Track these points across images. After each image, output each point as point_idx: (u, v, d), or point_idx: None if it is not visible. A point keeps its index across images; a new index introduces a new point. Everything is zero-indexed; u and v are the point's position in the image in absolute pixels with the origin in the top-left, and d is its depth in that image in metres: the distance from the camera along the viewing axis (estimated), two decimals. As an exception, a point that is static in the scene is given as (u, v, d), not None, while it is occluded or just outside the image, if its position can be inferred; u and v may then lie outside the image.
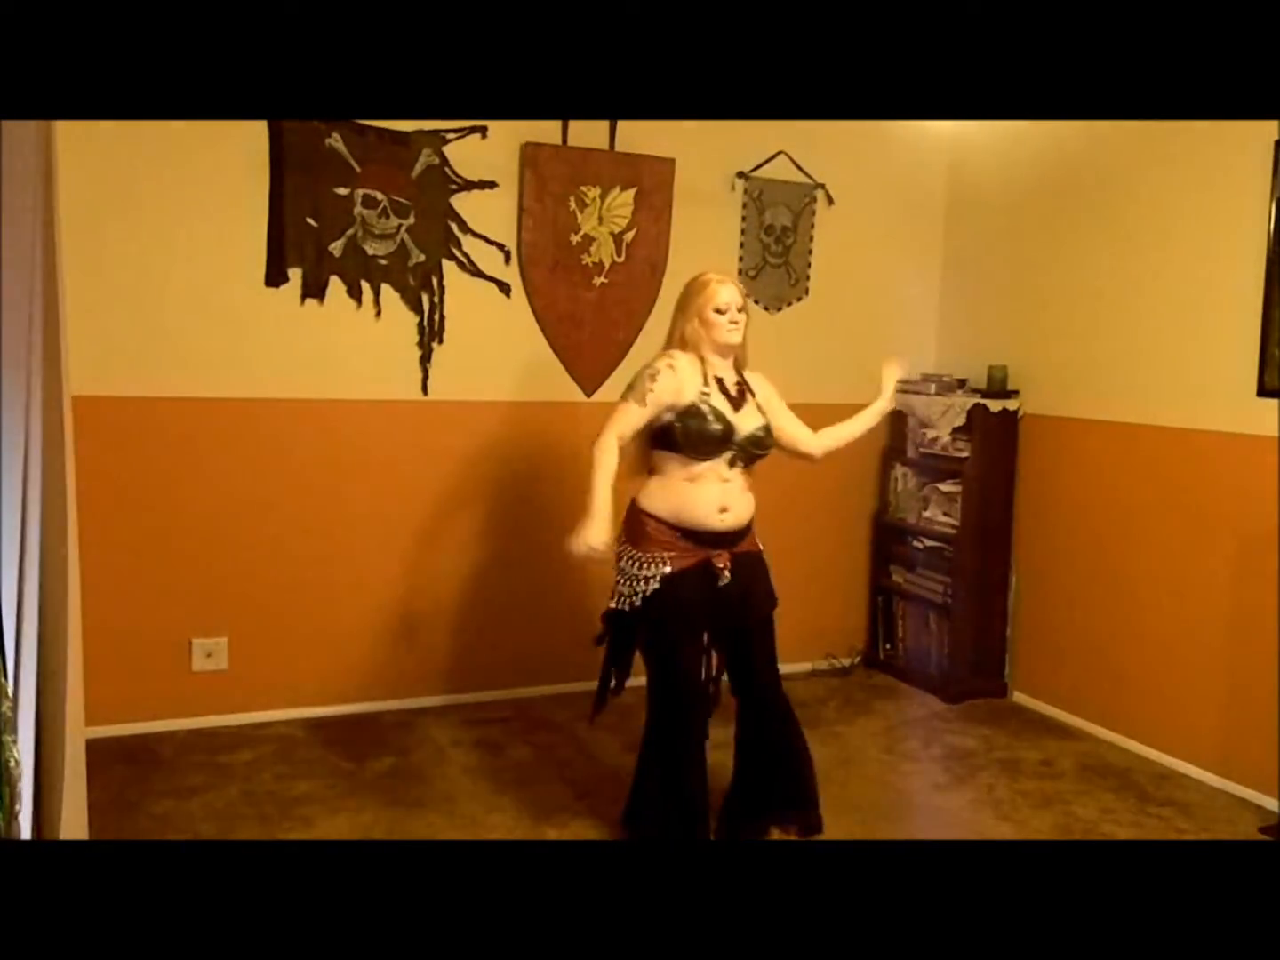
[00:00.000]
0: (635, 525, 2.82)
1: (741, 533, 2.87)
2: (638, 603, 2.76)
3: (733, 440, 2.77)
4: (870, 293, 4.62)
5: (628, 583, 2.78)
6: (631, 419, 2.77)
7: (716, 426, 2.74)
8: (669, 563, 2.76)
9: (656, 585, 2.75)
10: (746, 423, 2.82)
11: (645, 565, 2.76)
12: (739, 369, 2.91)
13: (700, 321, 2.80)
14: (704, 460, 2.76)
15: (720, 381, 2.82)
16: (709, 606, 2.83)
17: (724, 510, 2.79)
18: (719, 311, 2.79)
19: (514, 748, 3.72)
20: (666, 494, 2.79)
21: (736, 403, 2.81)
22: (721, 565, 2.80)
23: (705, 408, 2.75)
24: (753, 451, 2.83)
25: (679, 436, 2.75)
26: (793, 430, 2.99)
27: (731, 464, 2.79)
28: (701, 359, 2.82)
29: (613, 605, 2.83)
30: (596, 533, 2.71)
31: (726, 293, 2.79)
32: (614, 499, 2.80)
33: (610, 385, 4.20)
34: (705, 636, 2.94)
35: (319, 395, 3.80)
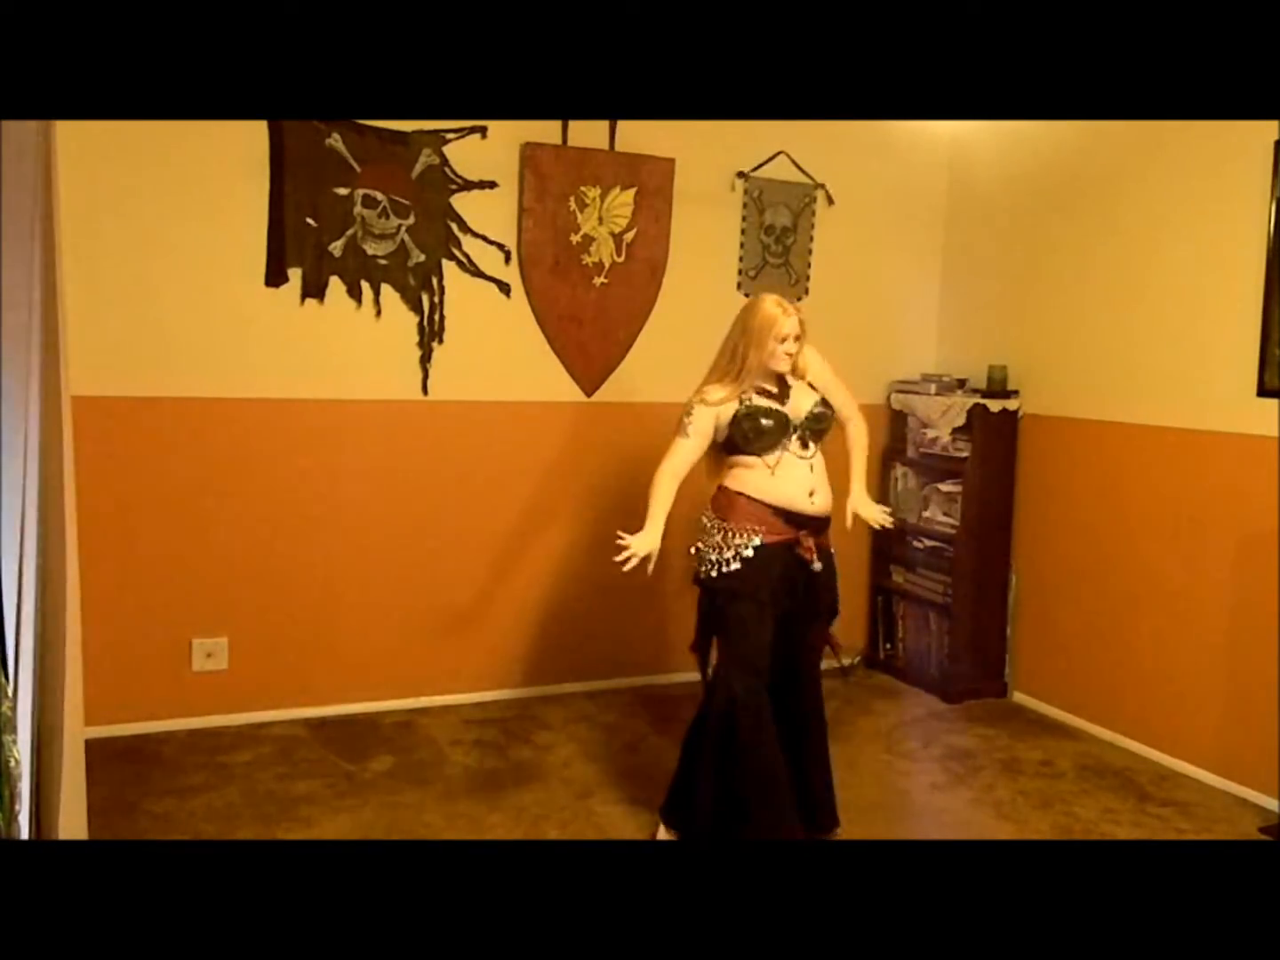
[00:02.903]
0: (726, 502, 2.92)
1: (826, 521, 2.96)
2: (735, 565, 2.85)
3: (791, 425, 2.90)
4: (870, 293, 4.62)
5: (719, 551, 2.87)
6: (682, 452, 2.93)
7: (769, 421, 2.87)
8: (761, 535, 2.86)
9: (750, 554, 2.85)
10: (800, 405, 2.93)
11: (738, 535, 2.87)
12: (792, 374, 2.99)
13: (758, 346, 2.90)
14: (774, 451, 2.89)
15: (761, 389, 2.93)
16: (788, 587, 2.91)
17: (812, 494, 2.90)
18: (779, 340, 2.89)
19: (514, 748, 3.72)
20: (755, 478, 2.91)
21: (779, 396, 2.93)
22: (809, 548, 2.90)
23: (751, 408, 2.88)
24: (816, 428, 2.94)
25: (742, 441, 2.89)
26: (840, 403, 3.09)
27: (805, 444, 2.91)
28: (743, 379, 2.92)
29: (705, 573, 2.91)
30: (646, 541, 2.83)
31: (789, 324, 2.90)
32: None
33: (610, 385, 4.21)
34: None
35: (319, 395, 3.80)
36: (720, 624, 2.92)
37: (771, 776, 2.86)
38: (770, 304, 2.91)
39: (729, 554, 2.85)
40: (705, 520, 2.94)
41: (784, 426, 2.88)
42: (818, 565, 2.91)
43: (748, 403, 2.88)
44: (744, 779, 2.85)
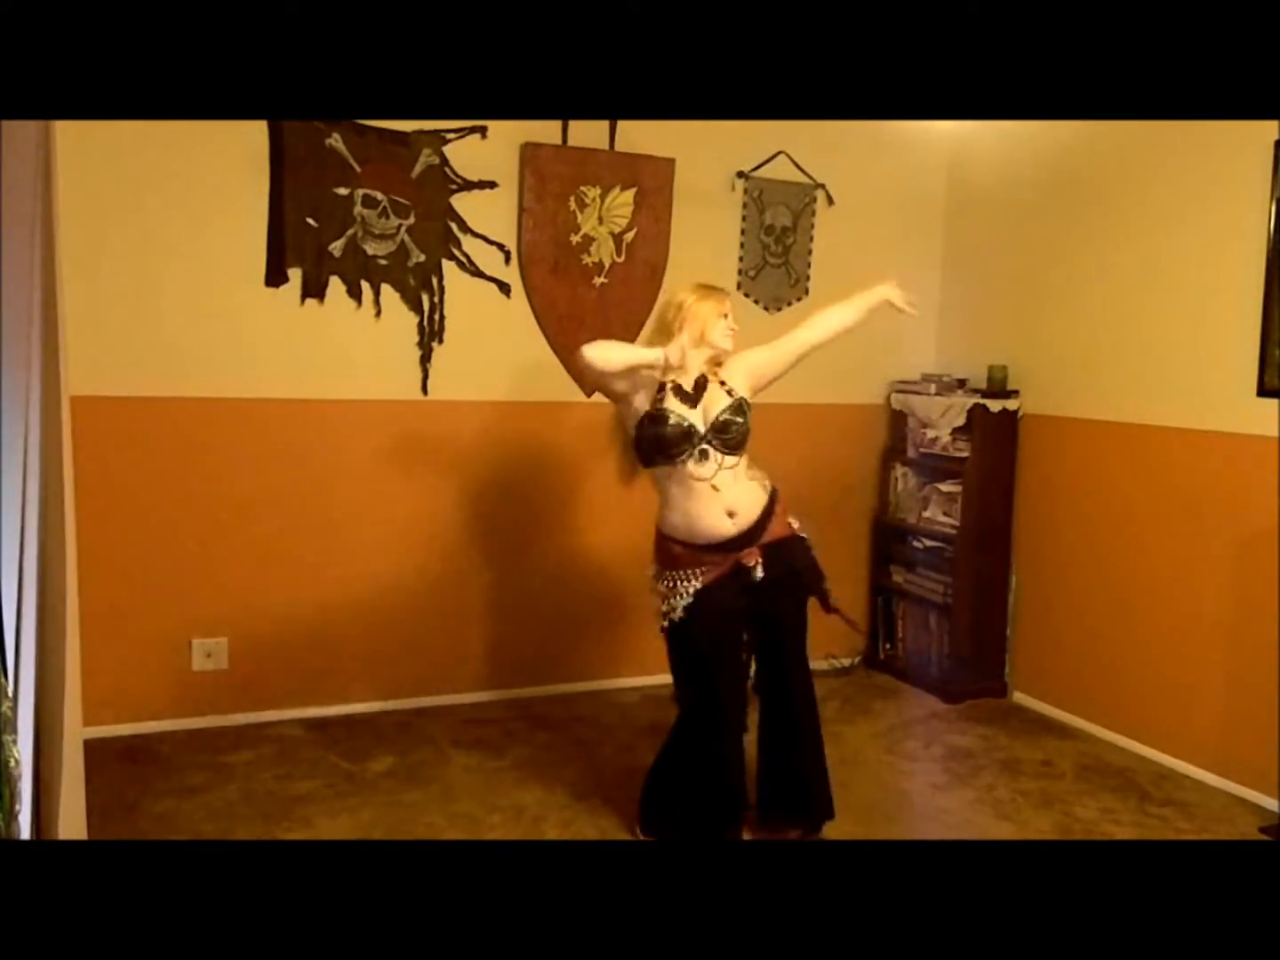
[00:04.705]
0: (663, 550, 2.92)
1: (760, 527, 2.90)
2: (680, 615, 2.85)
3: (696, 434, 2.83)
4: (870, 293, 4.61)
5: (667, 600, 2.88)
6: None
7: (671, 427, 2.81)
8: (699, 578, 2.84)
9: (691, 599, 2.83)
10: (710, 411, 2.86)
11: (679, 582, 2.86)
12: (713, 363, 2.95)
13: (706, 326, 2.88)
14: (679, 462, 2.83)
15: (677, 386, 2.87)
16: (746, 604, 2.89)
17: (731, 514, 2.85)
18: (724, 316, 2.91)
19: (514, 748, 3.71)
20: (674, 513, 2.88)
21: (693, 399, 2.87)
22: (752, 563, 2.85)
23: (659, 411, 2.83)
24: (723, 437, 2.85)
25: (645, 446, 2.86)
26: (785, 349, 3.02)
27: (705, 456, 2.83)
28: (673, 368, 2.86)
29: (663, 625, 2.91)
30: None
31: (728, 303, 2.94)
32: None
33: (610, 385, 4.20)
34: (745, 634, 3.00)
35: (319, 395, 3.80)
36: (683, 668, 2.95)
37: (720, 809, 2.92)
38: (703, 287, 2.96)
39: (675, 601, 2.85)
40: (653, 569, 2.94)
41: (689, 436, 2.81)
42: (759, 574, 2.85)
43: (661, 404, 2.83)
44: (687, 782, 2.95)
